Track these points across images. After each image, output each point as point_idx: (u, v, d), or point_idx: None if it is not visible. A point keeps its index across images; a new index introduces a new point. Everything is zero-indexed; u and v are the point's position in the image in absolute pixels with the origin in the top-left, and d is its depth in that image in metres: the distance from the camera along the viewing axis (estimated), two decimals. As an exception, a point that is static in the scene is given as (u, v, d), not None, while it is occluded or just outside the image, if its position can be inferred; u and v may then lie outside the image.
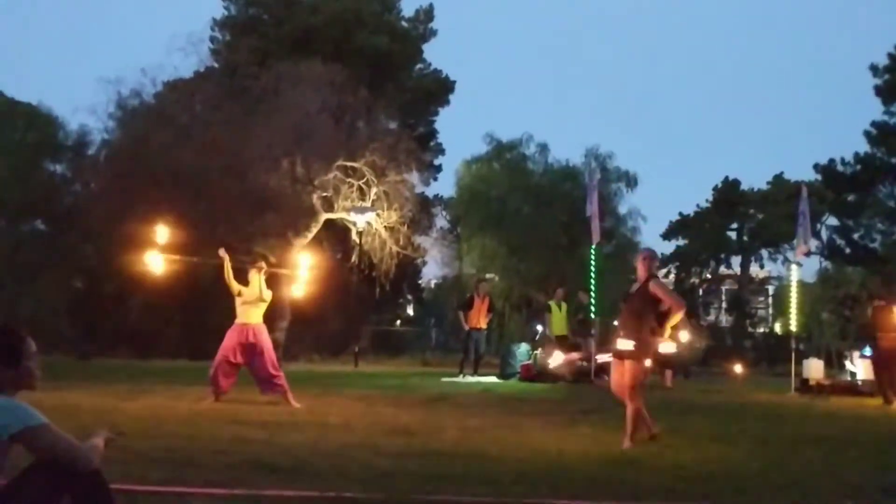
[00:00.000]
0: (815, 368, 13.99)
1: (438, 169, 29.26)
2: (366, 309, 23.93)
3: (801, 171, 46.39)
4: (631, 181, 26.05)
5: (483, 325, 14.83)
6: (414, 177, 21.70)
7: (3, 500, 2.60)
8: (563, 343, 15.20)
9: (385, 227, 19.76)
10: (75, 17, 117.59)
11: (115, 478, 2.93)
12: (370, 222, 19.53)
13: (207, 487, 4.13)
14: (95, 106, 20.60)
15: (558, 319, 15.36)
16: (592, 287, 14.74)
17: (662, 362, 13.85)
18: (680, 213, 36.19)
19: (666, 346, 13.96)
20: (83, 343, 18.35)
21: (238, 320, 8.78)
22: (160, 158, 18.88)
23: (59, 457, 2.62)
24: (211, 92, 19.94)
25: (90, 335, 19.31)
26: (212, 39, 25.97)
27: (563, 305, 15.52)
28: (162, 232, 8.96)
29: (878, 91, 30.61)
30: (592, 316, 14.82)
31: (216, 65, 23.98)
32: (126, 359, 17.48)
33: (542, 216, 24.59)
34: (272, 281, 9.39)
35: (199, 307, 18.45)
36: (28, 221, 22.72)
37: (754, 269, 36.42)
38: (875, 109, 30.87)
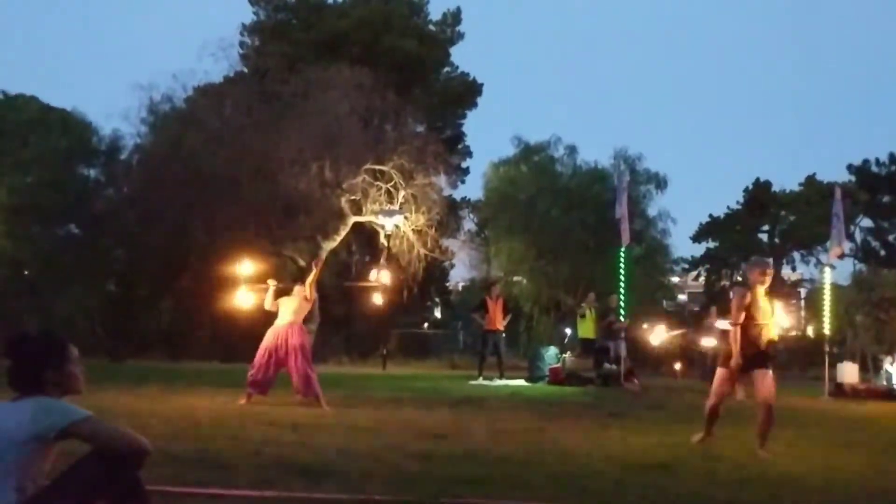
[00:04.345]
0: (849, 372, 13.80)
1: (466, 172, 29.25)
2: (394, 312, 23.98)
3: (834, 172, 45.78)
4: (660, 183, 25.86)
5: (500, 326, 14.78)
6: (442, 180, 21.73)
7: (43, 501, 2.65)
8: (590, 347, 15.15)
9: (413, 230, 19.78)
10: (108, 24, 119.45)
11: (148, 479, 2.97)
12: (398, 225, 19.56)
13: (238, 489, 4.17)
14: (128, 111, 20.97)
15: (589, 323, 15.31)
16: (622, 289, 14.66)
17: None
18: (710, 215, 35.84)
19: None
20: (116, 345, 18.61)
21: (277, 321, 8.88)
22: (191, 163, 19.10)
23: (111, 443, 2.71)
24: (241, 96, 20.13)
25: (123, 338, 19.58)
26: (241, 44, 26.23)
27: (594, 309, 15.46)
28: (247, 267, 9.08)
29: (914, 90, 30.06)
30: (622, 319, 14.74)
31: (246, 69, 24.22)
32: (158, 361, 17.70)
33: (571, 218, 24.49)
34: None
35: (230, 310, 18.62)
36: (62, 226, 23.09)
37: (786, 272, 35.95)
38: (910, 109, 30.34)
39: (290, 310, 8.88)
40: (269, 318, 9.04)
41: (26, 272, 21.90)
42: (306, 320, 9.08)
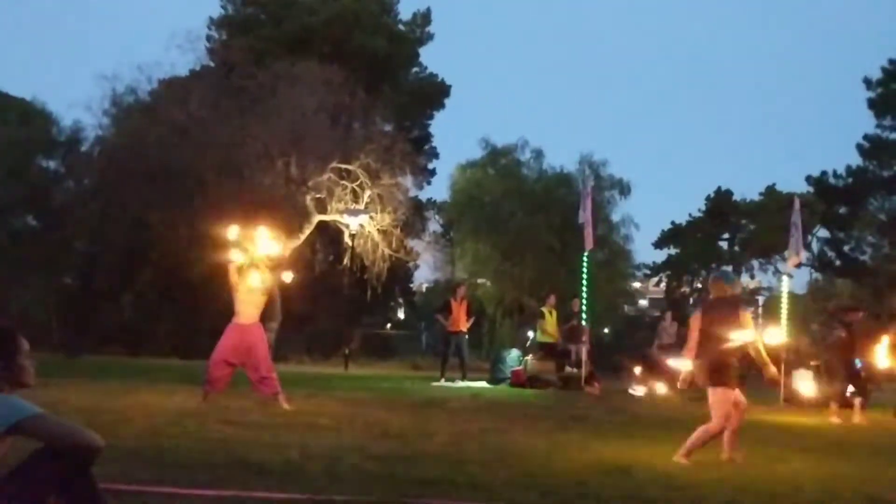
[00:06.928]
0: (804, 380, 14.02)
1: (433, 173, 29.28)
2: (357, 311, 23.88)
3: (794, 183, 46.51)
4: (624, 189, 26.17)
5: (464, 328, 14.78)
6: (408, 180, 21.75)
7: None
8: (550, 350, 15.22)
9: (378, 229, 19.73)
10: (70, 12, 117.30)
11: (103, 476, 2.91)
12: (363, 225, 19.50)
13: (196, 488, 4.11)
14: (90, 102, 20.56)
15: (549, 326, 15.37)
16: (584, 294, 14.76)
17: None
18: (672, 222, 36.29)
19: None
20: (73, 340, 18.26)
21: (235, 319, 8.73)
22: (154, 156, 18.84)
23: (62, 439, 2.64)
24: (207, 90, 19.88)
25: (81, 332, 19.22)
26: (208, 38, 25.93)
27: (554, 312, 15.53)
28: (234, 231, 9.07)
29: (871, 104, 30.85)
30: (584, 323, 14.85)
31: (212, 63, 23.94)
32: (116, 356, 17.40)
33: (536, 222, 24.63)
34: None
35: (191, 306, 18.39)
36: (20, 217, 22.63)
37: (745, 280, 36.52)
38: (868, 122, 31.15)
39: (252, 307, 8.76)
40: (229, 314, 8.91)
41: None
42: (267, 319, 8.97)
